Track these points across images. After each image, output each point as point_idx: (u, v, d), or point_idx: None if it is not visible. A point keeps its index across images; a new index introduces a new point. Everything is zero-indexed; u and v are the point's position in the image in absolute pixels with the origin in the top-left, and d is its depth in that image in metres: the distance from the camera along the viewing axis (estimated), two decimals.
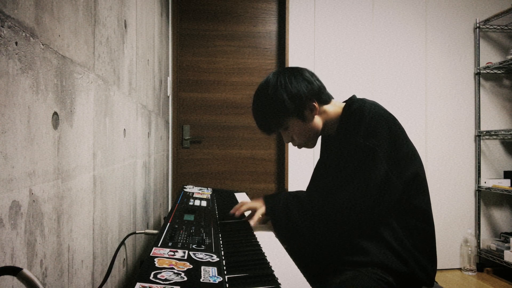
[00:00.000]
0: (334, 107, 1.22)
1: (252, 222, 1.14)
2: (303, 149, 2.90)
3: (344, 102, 1.23)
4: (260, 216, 1.15)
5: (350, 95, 1.24)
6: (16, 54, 0.54)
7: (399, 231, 1.07)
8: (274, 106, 1.16)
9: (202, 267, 0.73)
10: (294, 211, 1.09)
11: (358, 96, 1.23)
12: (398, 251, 1.06)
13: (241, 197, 1.81)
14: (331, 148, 1.27)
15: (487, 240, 2.99)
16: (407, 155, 1.09)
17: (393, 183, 1.04)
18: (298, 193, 1.15)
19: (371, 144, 1.04)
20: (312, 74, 1.21)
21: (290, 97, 1.14)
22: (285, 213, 1.10)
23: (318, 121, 1.20)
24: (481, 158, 3.06)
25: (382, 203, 1.04)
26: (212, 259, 0.79)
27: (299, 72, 1.19)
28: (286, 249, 0.98)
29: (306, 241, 1.11)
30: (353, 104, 1.14)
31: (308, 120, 1.19)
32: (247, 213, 1.29)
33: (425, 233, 1.10)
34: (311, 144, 1.26)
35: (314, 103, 1.17)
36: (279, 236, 1.09)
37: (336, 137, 1.21)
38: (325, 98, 1.21)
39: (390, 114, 1.11)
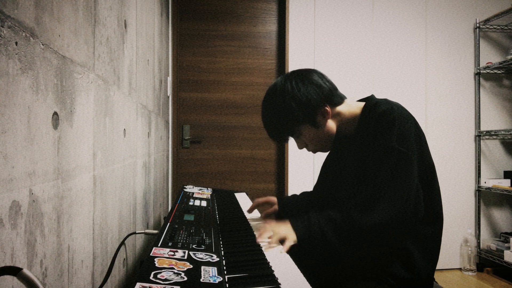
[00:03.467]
0: (349, 107, 1.15)
1: (285, 250, 0.96)
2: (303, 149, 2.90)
3: (360, 101, 1.18)
4: (289, 245, 0.98)
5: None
6: (16, 54, 0.54)
7: (410, 241, 1.05)
8: (283, 116, 1.09)
9: (202, 267, 0.73)
10: (331, 237, 0.98)
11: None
12: (406, 261, 1.04)
13: (241, 197, 1.81)
14: (348, 148, 1.20)
15: (487, 240, 2.99)
16: (428, 162, 1.06)
17: (420, 192, 0.99)
18: (330, 214, 1.02)
19: (405, 149, 0.98)
20: (322, 76, 1.14)
21: (298, 105, 1.08)
22: (322, 240, 0.99)
23: (332, 125, 1.14)
24: (481, 158, 3.06)
25: (418, 212, 0.99)
26: (212, 259, 0.79)
27: (306, 77, 1.12)
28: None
29: (341, 260, 1.03)
30: (378, 105, 1.07)
31: (321, 126, 1.12)
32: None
33: (435, 239, 1.08)
34: (326, 149, 1.20)
35: (326, 108, 1.10)
36: (310, 260, 1.00)
37: (355, 138, 1.14)
38: (337, 100, 1.14)
39: (414, 117, 1.07)
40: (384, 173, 0.98)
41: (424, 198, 1.02)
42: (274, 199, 1.39)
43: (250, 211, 1.39)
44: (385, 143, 1.00)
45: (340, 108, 1.15)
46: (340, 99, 1.15)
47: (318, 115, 1.11)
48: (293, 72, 1.16)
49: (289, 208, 1.36)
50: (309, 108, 1.09)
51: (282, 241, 0.99)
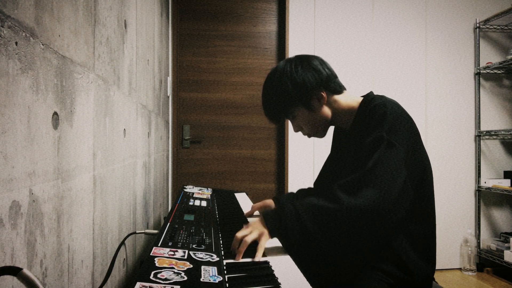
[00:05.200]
0: (347, 99, 1.16)
1: (258, 259, 0.88)
2: (303, 149, 2.91)
3: (361, 96, 1.18)
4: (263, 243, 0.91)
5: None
6: (16, 54, 0.54)
7: (404, 240, 1.05)
8: (279, 95, 1.12)
9: (202, 267, 0.73)
10: (308, 223, 0.92)
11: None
12: (402, 261, 1.04)
13: (241, 197, 1.81)
14: (344, 143, 1.22)
15: (487, 240, 2.99)
16: (420, 160, 1.06)
17: (407, 187, 0.97)
18: (307, 199, 0.97)
19: (395, 141, 0.98)
20: (322, 62, 1.15)
21: (294, 86, 1.10)
22: (298, 228, 0.92)
23: (326, 111, 1.15)
24: (481, 158, 3.06)
25: (402, 207, 0.95)
26: (212, 259, 0.79)
27: (307, 61, 1.14)
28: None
29: (321, 249, 0.95)
30: (373, 100, 1.10)
31: (315, 110, 1.14)
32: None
33: (428, 238, 1.08)
34: (320, 134, 1.20)
35: (321, 93, 1.12)
36: (290, 251, 0.93)
37: (351, 132, 1.16)
38: (335, 87, 1.15)
39: (409, 115, 1.08)
40: (372, 160, 0.97)
41: (414, 196, 1.01)
42: (270, 201, 1.39)
43: (247, 215, 1.37)
44: (376, 133, 1.01)
45: (337, 97, 1.16)
46: (339, 87, 1.17)
47: (313, 99, 1.12)
48: (295, 56, 1.18)
49: None
50: (304, 90, 1.10)
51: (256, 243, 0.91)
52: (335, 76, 1.17)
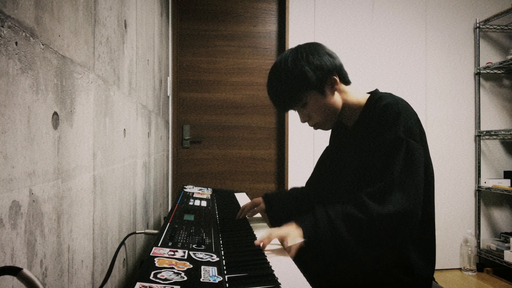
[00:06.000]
0: (356, 93, 1.15)
1: (291, 256, 0.92)
2: (303, 149, 2.91)
3: (367, 93, 1.17)
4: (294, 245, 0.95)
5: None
6: (16, 54, 0.54)
7: (408, 243, 1.04)
8: (294, 79, 1.08)
9: (202, 267, 0.73)
10: (342, 231, 0.95)
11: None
12: (402, 261, 1.04)
13: (241, 197, 1.81)
14: (345, 142, 1.21)
15: (487, 240, 2.99)
16: (428, 160, 1.06)
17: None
18: (339, 208, 0.99)
19: (413, 140, 0.99)
20: (332, 52, 1.15)
21: (312, 69, 1.07)
22: (332, 235, 0.95)
23: (338, 98, 1.13)
24: (481, 158, 3.06)
25: (420, 208, 0.98)
26: (212, 259, 0.79)
27: (319, 46, 1.13)
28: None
29: (350, 254, 0.98)
30: (382, 98, 1.08)
31: (328, 96, 1.11)
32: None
33: (428, 238, 1.08)
34: (328, 125, 1.17)
35: (335, 77, 1.11)
36: (319, 254, 0.96)
37: (355, 130, 1.14)
38: (346, 76, 1.15)
39: (416, 114, 1.07)
40: (395, 164, 0.97)
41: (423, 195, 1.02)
42: (258, 200, 1.34)
43: (238, 218, 1.31)
44: (393, 134, 1.00)
45: (347, 88, 1.16)
46: (348, 78, 1.17)
47: (327, 83, 1.11)
48: (304, 44, 1.16)
49: (277, 204, 1.32)
50: (320, 73, 1.08)
51: (284, 242, 0.95)
52: (343, 67, 1.17)
